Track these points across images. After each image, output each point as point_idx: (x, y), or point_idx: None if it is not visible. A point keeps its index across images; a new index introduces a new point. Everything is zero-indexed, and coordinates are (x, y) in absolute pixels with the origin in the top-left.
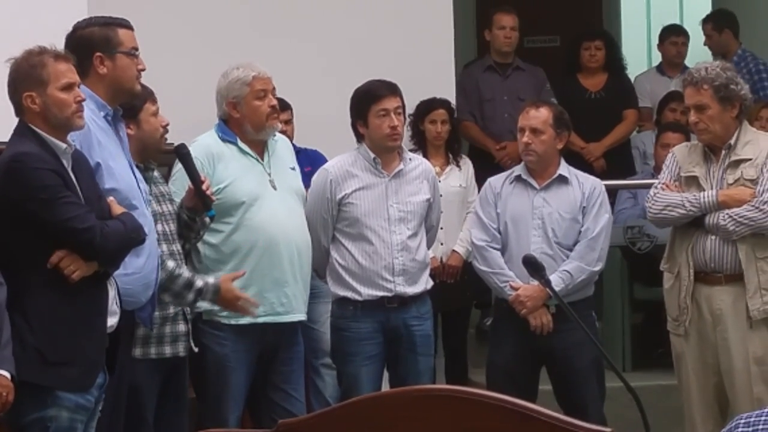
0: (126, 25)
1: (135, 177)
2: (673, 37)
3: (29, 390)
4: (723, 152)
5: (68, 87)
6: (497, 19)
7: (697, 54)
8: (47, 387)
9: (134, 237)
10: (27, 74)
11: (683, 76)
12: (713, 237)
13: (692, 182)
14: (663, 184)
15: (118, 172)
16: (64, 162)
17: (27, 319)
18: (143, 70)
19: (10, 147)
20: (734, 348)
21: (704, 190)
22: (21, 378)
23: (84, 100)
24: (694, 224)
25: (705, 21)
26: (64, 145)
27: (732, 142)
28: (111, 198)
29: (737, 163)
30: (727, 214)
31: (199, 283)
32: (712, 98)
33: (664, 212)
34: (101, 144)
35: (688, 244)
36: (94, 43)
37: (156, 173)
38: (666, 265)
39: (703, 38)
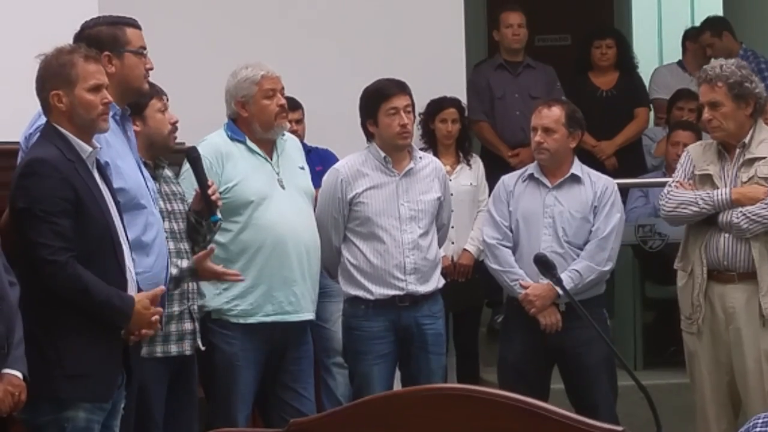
0: (134, 24)
1: (143, 176)
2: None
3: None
4: (737, 150)
5: (96, 88)
6: (504, 18)
7: None
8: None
9: (89, 306)
10: (56, 72)
11: (698, 74)
12: (726, 235)
13: (706, 180)
14: (677, 182)
15: (126, 171)
16: (89, 165)
17: (45, 329)
18: (151, 69)
19: (32, 150)
20: (747, 346)
21: (718, 188)
22: (41, 393)
23: (111, 102)
24: (708, 222)
25: (700, 32)
26: (90, 149)
27: (746, 140)
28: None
29: (751, 162)
30: (740, 212)
31: (173, 270)
32: (726, 96)
33: (677, 210)
34: (109, 143)
35: (701, 242)
36: (102, 42)
37: (167, 171)
38: (680, 263)
39: None
